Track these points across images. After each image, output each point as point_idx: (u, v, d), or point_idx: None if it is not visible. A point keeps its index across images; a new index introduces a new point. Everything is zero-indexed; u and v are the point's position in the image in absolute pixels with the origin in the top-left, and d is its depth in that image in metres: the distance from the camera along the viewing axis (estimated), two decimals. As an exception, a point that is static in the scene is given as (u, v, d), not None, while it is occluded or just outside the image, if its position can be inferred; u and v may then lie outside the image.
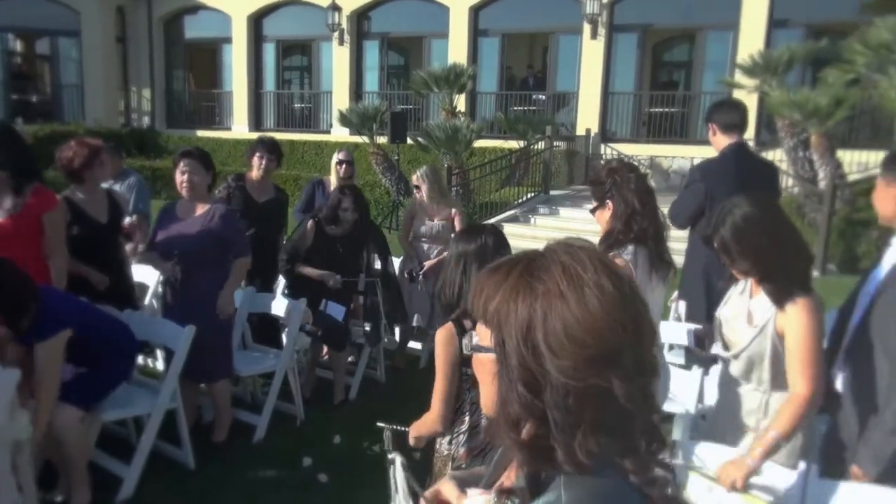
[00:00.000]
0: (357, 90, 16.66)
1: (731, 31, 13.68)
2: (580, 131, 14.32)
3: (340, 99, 16.40)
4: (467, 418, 2.22)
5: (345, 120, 13.68)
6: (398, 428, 2.23)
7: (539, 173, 12.94)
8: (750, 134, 12.61)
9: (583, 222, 11.50)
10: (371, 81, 17.00)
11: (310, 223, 4.58)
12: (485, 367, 1.03)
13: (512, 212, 11.90)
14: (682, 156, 13.94)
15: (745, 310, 2.48)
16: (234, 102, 17.46)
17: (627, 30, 14.45)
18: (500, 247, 2.24)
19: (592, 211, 2.92)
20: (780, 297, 2.32)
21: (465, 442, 2.20)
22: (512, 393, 0.94)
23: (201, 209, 3.94)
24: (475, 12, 15.42)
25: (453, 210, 5.30)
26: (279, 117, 17.65)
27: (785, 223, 2.41)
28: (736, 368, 2.52)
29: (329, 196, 4.77)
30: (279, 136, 16.35)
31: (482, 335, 1.02)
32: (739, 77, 12.01)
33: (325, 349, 5.02)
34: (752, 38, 13.13)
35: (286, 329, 4.46)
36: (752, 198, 2.43)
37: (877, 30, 9.93)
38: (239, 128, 17.36)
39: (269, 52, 17.66)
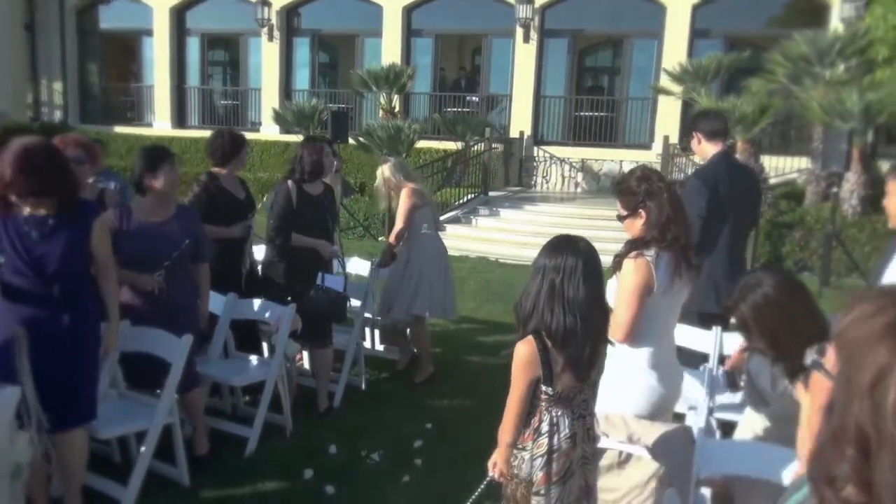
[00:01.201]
0: (287, 88, 16.26)
1: (656, 39, 14.20)
2: (514, 133, 14.50)
3: (270, 96, 15.96)
4: (545, 441, 2.17)
5: (279, 118, 13.32)
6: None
7: (477, 174, 13.02)
8: (675, 139, 13.18)
9: (523, 223, 11.66)
10: (301, 79, 16.62)
11: (289, 184, 4.41)
12: (818, 393, 0.99)
13: (453, 213, 11.90)
14: (611, 159, 14.38)
15: (769, 372, 2.56)
16: (156, 98, 16.66)
17: (558, 35, 14.74)
18: (590, 266, 2.16)
19: (621, 219, 2.92)
20: (793, 376, 2.34)
21: (543, 466, 2.16)
22: (838, 448, 0.83)
23: (166, 210, 3.70)
24: (408, 12, 15.35)
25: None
26: (204, 114, 16.98)
27: (804, 304, 2.39)
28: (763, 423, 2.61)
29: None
30: (204, 133, 15.79)
31: (830, 356, 0.95)
32: (667, 83, 12.50)
33: (299, 357, 4.87)
34: (675, 47, 13.68)
35: (271, 334, 4.29)
36: (776, 276, 2.44)
37: (796, 43, 10.55)
38: (161, 124, 16.58)
39: (193, 47, 16.94)
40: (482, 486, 2.39)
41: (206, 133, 15.86)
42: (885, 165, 11.30)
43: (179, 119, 16.85)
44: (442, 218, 11.55)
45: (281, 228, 4.38)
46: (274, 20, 15.76)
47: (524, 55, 14.55)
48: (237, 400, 4.51)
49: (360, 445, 4.12)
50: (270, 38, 15.93)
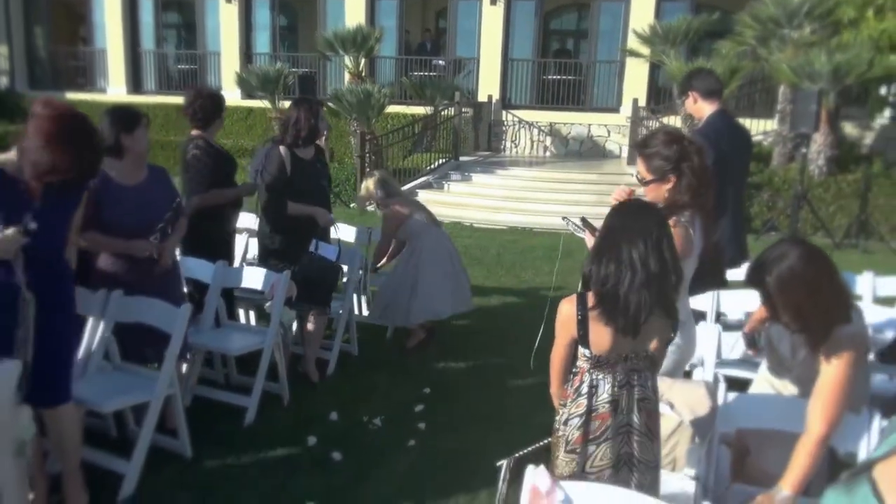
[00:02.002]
0: (247, 51, 15.80)
1: (623, 1, 14.16)
2: (482, 97, 14.39)
3: (230, 60, 15.51)
4: (584, 401, 2.15)
5: (243, 83, 12.95)
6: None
7: (446, 139, 12.91)
8: (643, 101, 13.24)
9: (495, 188, 11.64)
10: (262, 42, 16.17)
11: (281, 149, 4.28)
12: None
13: (424, 178, 11.81)
14: (579, 122, 14.40)
15: (789, 341, 2.57)
16: (110, 62, 16.04)
17: (525, -3, 14.60)
18: (661, 232, 2.10)
19: (645, 183, 2.85)
20: (815, 346, 2.38)
21: (580, 426, 2.15)
22: None
23: (140, 171, 3.55)
24: (372, -27, 15.00)
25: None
26: (161, 79, 16.44)
27: (828, 277, 2.39)
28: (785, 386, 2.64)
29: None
30: (162, 99, 15.33)
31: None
32: (636, 46, 12.50)
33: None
34: (642, 9, 13.66)
35: (264, 303, 4.20)
36: (801, 248, 2.41)
37: (765, 5, 10.62)
38: (115, 90, 16.00)
39: (146, 8, 16.32)
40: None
41: (164, 99, 15.43)
42: (848, 126, 11.58)
43: (135, 84, 16.28)
44: (413, 184, 11.59)
45: (275, 197, 4.24)
46: (232, -20, 15.25)
47: (491, 17, 14.38)
48: (230, 370, 4.42)
49: (360, 412, 4.08)
50: (228, -1, 15.42)
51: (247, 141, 13.53)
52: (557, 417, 2.23)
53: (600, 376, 2.14)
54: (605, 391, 2.13)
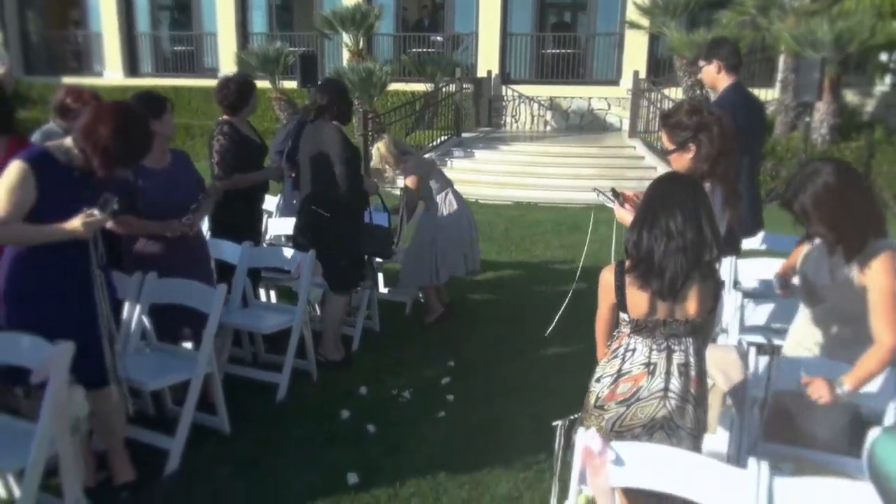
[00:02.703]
0: (244, 31, 15.70)
1: (621, -28, 14.08)
2: (481, 73, 14.35)
3: (226, 41, 15.42)
4: (618, 363, 2.26)
5: (242, 63, 12.88)
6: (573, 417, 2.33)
7: (448, 116, 12.91)
8: (643, 73, 13.22)
9: (498, 164, 11.68)
10: (258, 22, 16.07)
11: (334, 124, 4.30)
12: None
13: (427, 156, 11.81)
14: (579, 96, 14.39)
15: (827, 265, 2.67)
16: (105, 45, 15.93)
17: (523, -31, 14.50)
18: (698, 203, 2.18)
19: (668, 153, 2.96)
20: (851, 257, 2.51)
21: (610, 385, 2.25)
22: None
23: (165, 156, 3.63)
24: (368, -52, 14.86)
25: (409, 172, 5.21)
26: (157, 61, 16.34)
27: (860, 189, 2.54)
28: (819, 319, 2.72)
29: None
30: (159, 81, 15.25)
31: None
32: (636, 17, 12.47)
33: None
34: (641, -21, 13.58)
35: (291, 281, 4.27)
36: (832, 164, 2.55)
37: (766, -27, 10.61)
38: (112, 73, 15.91)
39: (140, -12, 16.20)
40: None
41: (161, 81, 15.34)
42: (849, 94, 11.61)
43: (131, 67, 16.19)
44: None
45: (350, 171, 4.26)
46: (227, -42, 15.12)
47: (489, -9, 14.30)
48: (257, 348, 4.50)
49: (388, 385, 4.18)
50: (224, -23, 15.29)
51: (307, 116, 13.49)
52: (595, 375, 2.34)
53: (638, 340, 2.23)
54: (641, 354, 2.22)
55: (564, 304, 3.70)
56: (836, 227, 2.51)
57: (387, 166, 5.25)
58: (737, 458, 2.56)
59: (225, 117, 4.34)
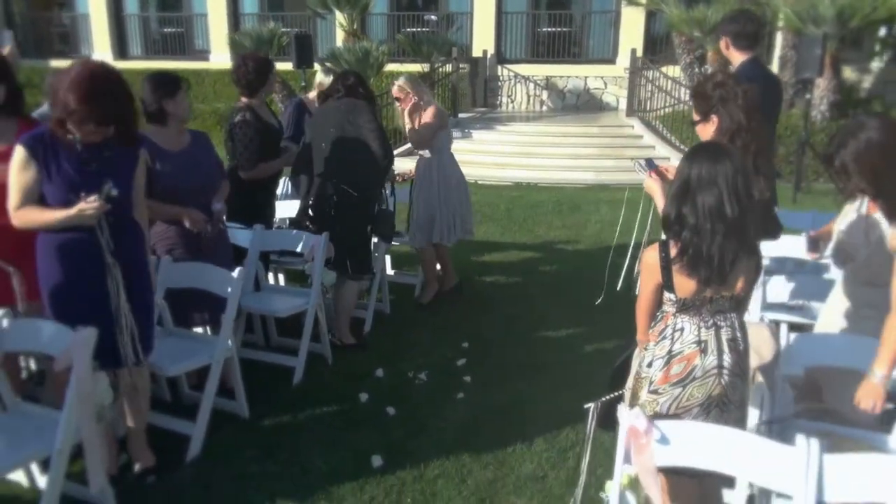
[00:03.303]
0: (235, 12, 15.49)
1: (617, -51, 13.96)
2: (476, 52, 14.23)
3: (217, 22, 15.21)
4: (667, 344, 2.22)
5: (236, 44, 12.71)
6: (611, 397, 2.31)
7: (444, 96, 12.80)
8: (640, 51, 13.15)
9: (497, 144, 11.61)
10: (249, 2, 15.84)
11: (364, 102, 4.30)
12: None
13: (425, 136, 11.74)
14: (576, 75, 14.31)
15: (862, 225, 2.65)
16: (93, 27, 15.67)
17: (517, -54, 14.35)
18: (735, 170, 2.11)
19: (695, 123, 2.95)
20: (893, 215, 2.51)
21: (663, 367, 2.21)
22: None
23: (183, 137, 3.55)
24: (360, -74, 14.63)
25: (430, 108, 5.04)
26: (147, 43, 16.11)
27: None
28: (852, 280, 2.71)
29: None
30: (148, 64, 15.03)
31: None
32: (633, -6, 12.38)
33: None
34: (638, -44, 13.46)
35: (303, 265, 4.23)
36: (877, 119, 2.56)
37: (765, -52, 10.53)
38: (100, 55, 15.63)
39: (129, -31, 15.92)
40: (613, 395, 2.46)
41: (151, 64, 15.21)
42: (847, 70, 11.60)
43: (120, 49, 15.95)
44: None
45: (388, 149, 4.27)
46: (216, -63, 14.86)
47: (484, -31, 14.14)
48: (270, 332, 4.47)
49: (404, 368, 4.16)
50: (214, -44, 15.04)
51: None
52: (640, 360, 2.30)
53: (685, 319, 2.20)
54: (690, 333, 2.19)
55: (623, 274, 3.68)
56: (876, 183, 2.51)
57: (407, 107, 4.97)
58: (767, 435, 2.56)
59: (243, 101, 4.25)
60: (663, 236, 2.29)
